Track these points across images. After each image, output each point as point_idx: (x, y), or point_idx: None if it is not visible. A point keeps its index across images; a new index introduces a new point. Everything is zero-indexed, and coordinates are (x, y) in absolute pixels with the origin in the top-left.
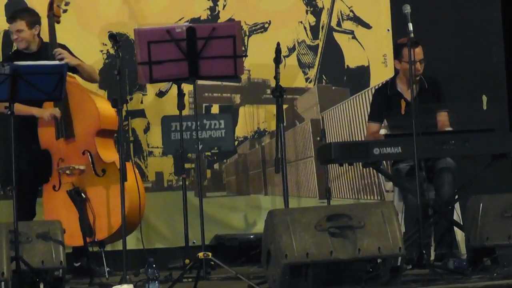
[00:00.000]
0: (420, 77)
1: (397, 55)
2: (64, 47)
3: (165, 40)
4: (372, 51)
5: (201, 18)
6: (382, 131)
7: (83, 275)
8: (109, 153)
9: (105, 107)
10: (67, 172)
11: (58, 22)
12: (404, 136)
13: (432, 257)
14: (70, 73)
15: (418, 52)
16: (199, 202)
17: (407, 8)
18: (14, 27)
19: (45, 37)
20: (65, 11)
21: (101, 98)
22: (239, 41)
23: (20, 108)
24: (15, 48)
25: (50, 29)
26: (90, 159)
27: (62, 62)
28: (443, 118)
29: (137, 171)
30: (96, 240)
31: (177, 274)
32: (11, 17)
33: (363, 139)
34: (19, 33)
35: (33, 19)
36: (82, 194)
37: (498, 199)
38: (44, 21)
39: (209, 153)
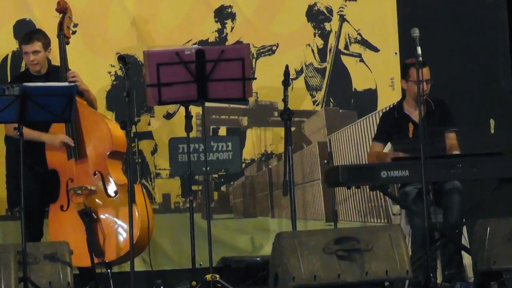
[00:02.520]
0: (427, 98)
1: (404, 75)
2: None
3: (174, 62)
4: (380, 74)
5: (209, 41)
6: (385, 150)
7: None
8: (120, 175)
9: (116, 129)
10: (78, 192)
11: (68, 43)
12: (411, 159)
13: (439, 280)
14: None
15: (425, 72)
16: (207, 224)
17: (416, 32)
18: (31, 48)
19: (53, 59)
20: (74, 32)
21: (110, 120)
22: (248, 63)
23: (30, 134)
24: (23, 69)
25: (61, 49)
26: (101, 180)
27: (72, 84)
28: (451, 140)
29: (145, 192)
30: (104, 261)
31: None
32: (29, 38)
33: None
34: (36, 55)
35: (46, 41)
36: (93, 215)
37: (505, 223)
38: (53, 43)
39: (216, 175)
